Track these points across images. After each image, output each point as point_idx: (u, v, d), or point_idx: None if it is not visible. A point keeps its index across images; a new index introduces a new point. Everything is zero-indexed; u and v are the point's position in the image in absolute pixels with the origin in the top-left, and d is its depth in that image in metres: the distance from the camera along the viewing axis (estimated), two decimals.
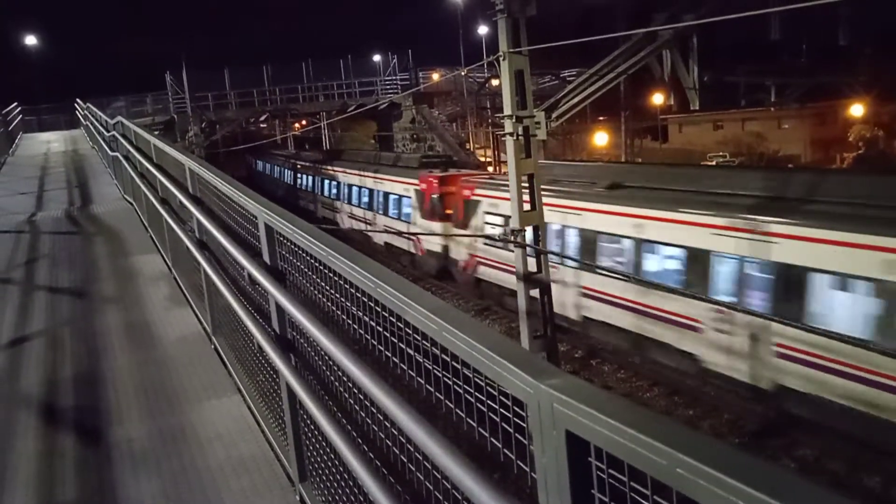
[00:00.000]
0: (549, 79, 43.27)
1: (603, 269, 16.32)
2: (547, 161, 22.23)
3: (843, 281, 12.22)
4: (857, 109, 43.24)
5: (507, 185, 15.27)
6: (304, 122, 56.60)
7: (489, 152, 46.28)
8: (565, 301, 17.56)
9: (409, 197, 25.29)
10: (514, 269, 15.50)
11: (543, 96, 21.21)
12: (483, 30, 48.15)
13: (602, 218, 16.99)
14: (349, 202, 31.30)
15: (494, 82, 41.38)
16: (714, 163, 40.06)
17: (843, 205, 12.69)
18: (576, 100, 15.86)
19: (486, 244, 20.12)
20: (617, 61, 16.31)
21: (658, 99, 42.76)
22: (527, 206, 15.03)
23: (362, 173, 29.79)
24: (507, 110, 14.46)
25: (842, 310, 12.21)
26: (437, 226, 22.81)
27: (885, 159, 38.41)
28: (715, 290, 14.36)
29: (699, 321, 14.62)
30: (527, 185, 15.00)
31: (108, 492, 4.13)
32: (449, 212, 22.54)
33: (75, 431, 5.03)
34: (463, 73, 44.03)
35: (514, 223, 14.87)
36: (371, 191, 28.83)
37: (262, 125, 61.56)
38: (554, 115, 15.33)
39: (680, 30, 16.58)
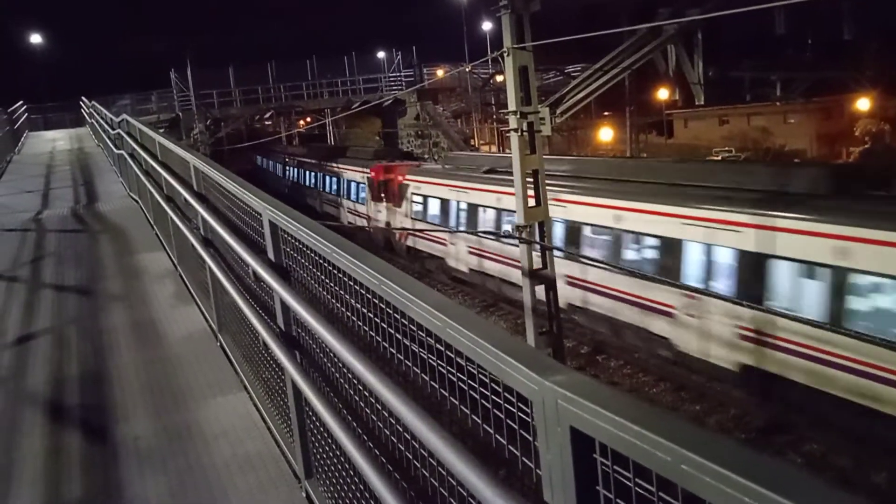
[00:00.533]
0: (553, 74, 43.19)
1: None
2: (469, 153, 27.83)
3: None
4: (863, 104, 43.08)
5: (428, 172, 23.19)
6: (308, 120, 56.62)
7: (494, 148, 46.25)
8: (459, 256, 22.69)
9: (364, 183, 29.55)
10: (433, 239, 23.26)
11: (548, 92, 21.16)
12: (487, 26, 48.14)
13: (477, 194, 21.88)
14: (324, 190, 35.19)
15: (499, 78, 41.35)
16: (719, 158, 39.96)
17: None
18: (580, 95, 15.80)
19: (413, 218, 25.26)
20: (621, 56, 16.24)
21: (663, 94, 42.64)
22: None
23: (334, 165, 33.81)
24: (512, 106, 14.42)
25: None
26: (382, 206, 27.69)
27: (892, 153, 38.23)
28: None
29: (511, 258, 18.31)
30: (531, 180, 14.98)
31: (115, 489, 4.15)
32: (389, 194, 27.24)
33: (81, 429, 5.05)
34: (467, 70, 44.00)
35: (519, 219, 14.86)
36: (339, 179, 32.97)
37: (266, 122, 61.61)
38: (559, 111, 15.28)
39: (685, 24, 16.51)
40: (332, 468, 3.37)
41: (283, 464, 4.19)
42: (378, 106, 40.44)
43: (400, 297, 2.23)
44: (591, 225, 17.62)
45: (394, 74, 45.75)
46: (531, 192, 15.03)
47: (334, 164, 33.59)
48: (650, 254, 16.07)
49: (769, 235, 13.06)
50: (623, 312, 16.54)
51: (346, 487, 3.17)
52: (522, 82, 14.34)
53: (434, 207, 24.01)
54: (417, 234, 24.38)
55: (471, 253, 21.86)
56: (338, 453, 3.20)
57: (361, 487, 2.91)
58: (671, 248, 15.31)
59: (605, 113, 48.97)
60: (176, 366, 5.89)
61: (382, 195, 27.40)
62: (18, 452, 4.67)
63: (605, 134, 45.08)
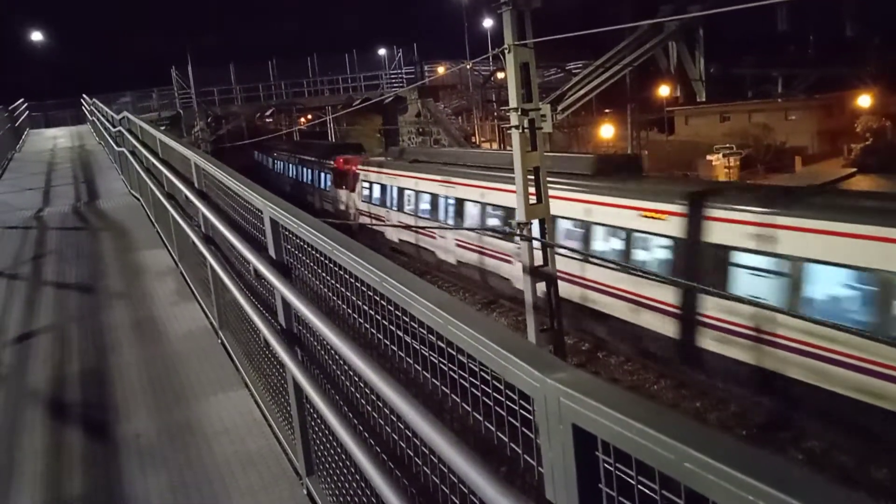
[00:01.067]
0: (554, 71, 43.16)
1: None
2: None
3: None
4: (864, 100, 43.00)
5: (374, 163, 29.06)
6: (309, 117, 56.62)
7: (495, 145, 46.24)
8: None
9: (329, 173, 34.52)
10: (382, 217, 27.73)
11: (549, 89, 21.18)
12: (488, 23, 48.08)
13: (404, 180, 26.48)
14: (304, 180, 39.18)
15: (500, 75, 41.32)
16: (721, 154, 39.90)
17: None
18: (582, 92, 15.81)
19: (363, 201, 29.83)
20: (623, 53, 16.24)
21: (664, 91, 42.59)
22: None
23: (309, 158, 38.17)
24: (513, 103, 14.42)
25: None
26: (342, 191, 32.27)
27: (894, 150, 38.16)
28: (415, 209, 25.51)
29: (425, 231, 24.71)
30: (532, 177, 14.97)
31: (116, 486, 4.15)
32: (346, 182, 31.89)
33: (83, 426, 5.06)
34: (468, 67, 43.98)
35: (520, 216, 14.85)
36: (312, 170, 37.58)
37: (268, 120, 61.63)
38: (560, 108, 15.29)
39: (686, 21, 16.50)
40: (334, 465, 3.36)
41: (284, 461, 4.19)
42: (379, 103, 40.46)
43: (401, 295, 2.22)
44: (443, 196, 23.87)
45: (395, 71, 45.75)
46: (530, 190, 15.04)
47: (309, 157, 38.27)
48: (454, 209, 23.39)
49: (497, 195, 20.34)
50: (488, 263, 21.65)
51: (347, 484, 3.17)
52: (524, 79, 14.33)
53: (377, 192, 28.84)
54: (367, 215, 29.24)
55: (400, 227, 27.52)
56: (339, 450, 3.19)
57: (363, 484, 2.90)
58: (460, 205, 22.90)
59: (607, 110, 48.92)
60: (177, 363, 5.89)
61: (342, 182, 32.16)
62: (20, 450, 4.67)
63: (606, 131, 45.01)
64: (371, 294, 2.55)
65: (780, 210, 13.15)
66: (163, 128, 14.68)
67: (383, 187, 28.11)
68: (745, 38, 49.40)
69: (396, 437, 2.52)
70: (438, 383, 2.17)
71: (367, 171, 29.63)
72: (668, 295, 15.22)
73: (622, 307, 16.37)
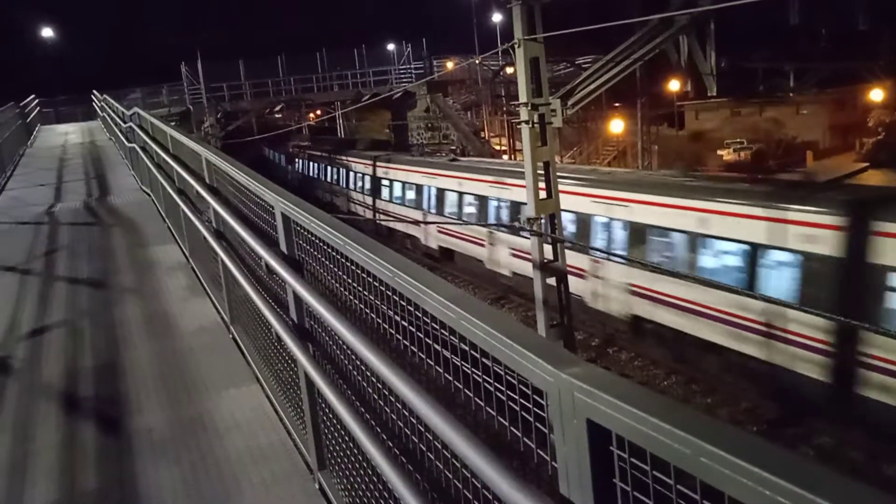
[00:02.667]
0: (564, 66, 42.98)
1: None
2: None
3: None
4: (876, 94, 42.64)
5: (313, 145, 38.95)
6: (318, 112, 56.64)
7: (504, 140, 46.15)
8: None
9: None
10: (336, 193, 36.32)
11: (559, 84, 21.09)
12: (497, 17, 47.92)
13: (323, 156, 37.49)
14: (280, 162, 48.46)
15: (509, 70, 41.18)
16: (731, 149, 39.65)
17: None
18: (591, 87, 15.74)
19: (302, 174, 42.40)
20: (633, 47, 16.15)
21: (674, 85, 42.33)
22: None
23: (291, 148, 46.87)
24: (523, 98, 14.38)
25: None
26: (292, 168, 44.97)
27: None
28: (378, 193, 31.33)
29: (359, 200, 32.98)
30: (542, 172, 14.94)
31: (128, 481, 4.17)
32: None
33: (95, 421, 5.08)
34: (477, 62, 43.85)
35: (530, 211, 14.83)
36: (284, 155, 48.01)
37: (277, 115, 61.69)
38: (570, 103, 15.23)
39: (697, 15, 16.40)
40: (346, 460, 3.37)
41: (295, 456, 4.20)
42: (388, 98, 40.39)
43: (414, 290, 2.22)
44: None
45: (404, 67, 45.66)
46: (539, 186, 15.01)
47: (291, 147, 47.09)
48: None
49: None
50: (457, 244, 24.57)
51: (359, 479, 3.18)
52: (533, 74, 14.29)
53: (311, 169, 41.03)
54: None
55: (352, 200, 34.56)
56: (351, 445, 3.20)
57: (375, 479, 2.91)
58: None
59: (616, 105, 48.73)
60: (189, 358, 5.91)
61: (295, 161, 44.58)
62: (33, 443, 4.71)
63: (616, 125, 44.82)
64: (383, 289, 2.55)
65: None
66: (173, 123, 14.71)
67: (311, 165, 42.23)
68: (757, 31, 49.03)
69: (409, 432, 2.52)
70: (451, 378, 2.17)
71: (307, 153, 43.55)
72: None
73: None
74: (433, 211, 25.98)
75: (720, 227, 14.74)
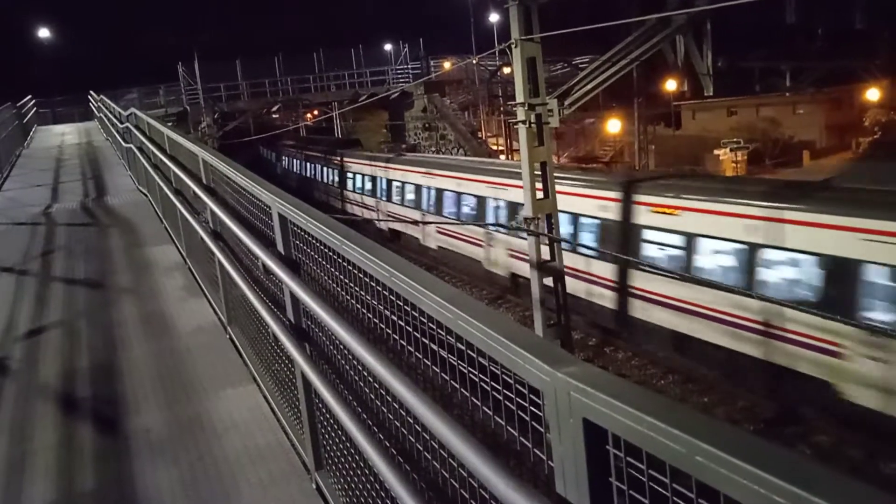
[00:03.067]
0: (561, 66, 43.02)
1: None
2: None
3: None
4: (873, 94, 42.74)
5: (296, 144, 45.78)
6: (316, 113, 56.65)
7: (502, 140, 46.17)
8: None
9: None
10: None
11: (556, 84, 21.11)
12: (494, 17, 47.94)
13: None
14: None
15: (506, 70, 41.21)
16: (728, 149, 39.72)
17: None
18: (588, 87, 15.76)
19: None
20: (630, 47, 16.17)
21: (671, 85, 42.42)
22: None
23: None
24: (520, 98, 14.39)
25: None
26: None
27: None
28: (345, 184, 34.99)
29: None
30: (539, 172, 14.95)
31: (126, 481, 4.17)
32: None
33: (93, 421, 5.08)
34: (475, 62, 43.87)
35: (527, 211, 14.84)
36: (275, 154, 50.48)
37: (274, 116, 61.69)
38: (567, 103, 15.25)
39: (694, 15, 16.42)
40: (343, 460, 3.37)
41: (293, 456, 4.21)
42: (385, 98, 40.39)
43: (411, 290, 2.22)
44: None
45: (401, 67, 45.66)
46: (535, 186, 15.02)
47: (279, 147, 49.20)
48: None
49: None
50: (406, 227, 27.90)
51: (356, 479, 3.18)
52: (530, 74, 14.31)
53: (294, 165, 44.84)
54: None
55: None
56: (348, 445, 3.20)
57: (372, 479, 2.91)
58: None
59: (613, 104, 48.78)
60: (186, 358, 5.91)
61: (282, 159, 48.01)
62: (31, 444, 4.70)
63: (613, 125, 44.89)
64: (380, 289, 2.55)
65: None
66: (170, 124, 14.69)
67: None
68: (754, 30, 49.12)
69: (406, 432, 2.52)
70: (448, 378, 2.18)
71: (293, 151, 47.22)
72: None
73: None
74: (384, 198, 29.97)
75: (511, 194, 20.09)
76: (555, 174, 15.60)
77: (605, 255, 16.91)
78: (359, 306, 2.87)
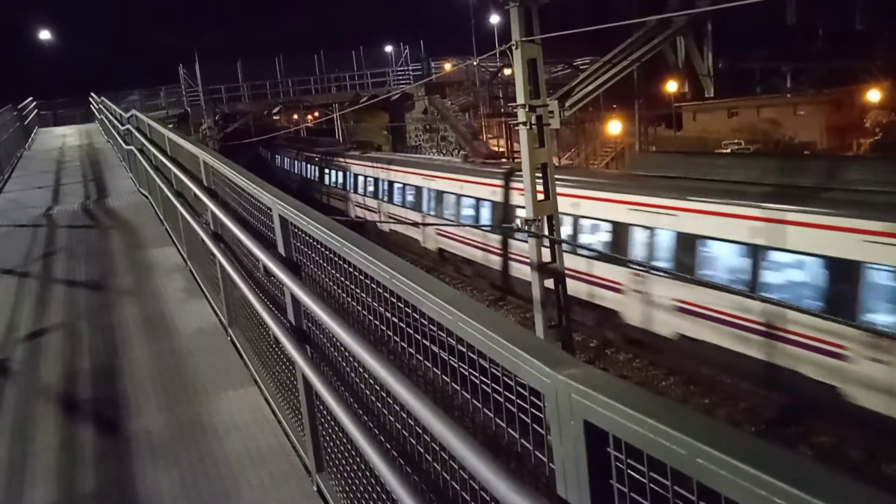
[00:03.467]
0: (562, 67, 43.04)
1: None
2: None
3: None
4: (873, 95, 42.70)
5: (288, 144, 48.34)
6: (316, 114, 56.67)
7: (502, 142, 46.18)
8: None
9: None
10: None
11: (556, 85, 21.11)
12: (495, 19, 47.95)
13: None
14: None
15: (507, 71, 41.22)
16: (729, 150, 39.69)
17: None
18: (589, 88, 15.77)
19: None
20: (630, 49, 16.19)
21: (672, 86, 42.38)
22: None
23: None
24: (520, 99, 14.40)
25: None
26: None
27: None
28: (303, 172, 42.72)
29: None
30: (540, 174, 14.94)
31: (127, 482, 4.17)
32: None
33: (94, 423, 5.08)
34: (475, 63, 43.89)
35: (528, 213, 14.84)
36: (270, 153, 52.70)
37: (275, 117, 61.76)
38: (567, 104, 15.25)
39: (694, 16, 16.42)
40: (343, 462, 3.37)
41: (294, 458, 4.21)
42: (386, 100, 40.42)
43: (411, 292, 2.22)
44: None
45: (401, 68, 45.69)
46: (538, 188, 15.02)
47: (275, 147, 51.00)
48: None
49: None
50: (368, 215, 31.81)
51: (357, 481, 3.18)
52: (531, 75, 14.31)
53: (285, 163, 47.84)
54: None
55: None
56: (349, 447, 3.20)
57: (373, 481, 2.91)
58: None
59: (614, 106, 48.78)
60: (187, 360, 5.91)
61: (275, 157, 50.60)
62: (32, 445, 4.71)
63: (614, 127, 44.88)
64: (381, 291, 2.55)
65: None
66: (171, 126, 14.69)
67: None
68: (754, 32, 49.11)
69: (407, 434, 2.52)
70: (449, 380, 2.18)
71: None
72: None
73: None
74: (352, 191, 34.67)
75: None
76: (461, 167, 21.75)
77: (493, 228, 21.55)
78: (359, 308, 2.87)
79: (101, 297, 7.99)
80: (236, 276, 4.70)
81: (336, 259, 3.02)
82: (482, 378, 1.94)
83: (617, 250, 16.53)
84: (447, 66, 46.67)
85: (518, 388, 1.75)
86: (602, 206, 17.35)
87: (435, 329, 2.16)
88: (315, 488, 3.84)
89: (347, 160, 35.15)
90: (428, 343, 2.27)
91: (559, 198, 15.34)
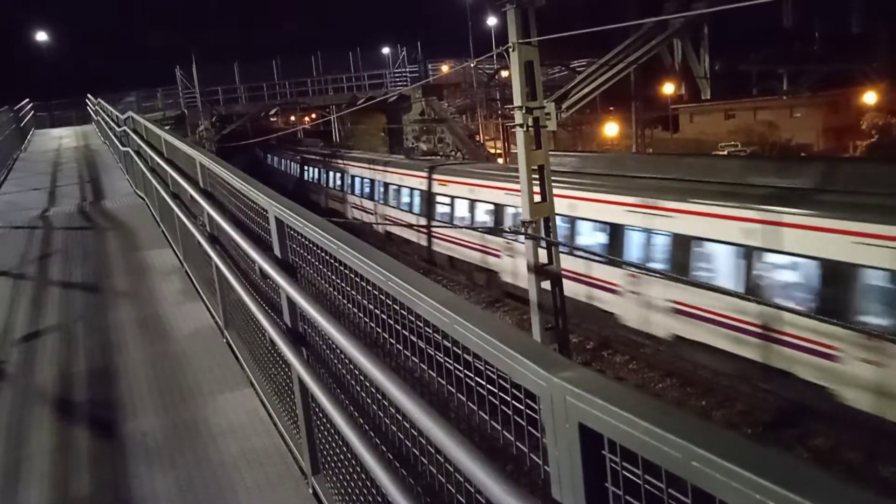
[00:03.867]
0: (559, 69, 43.08)
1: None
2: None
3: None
4: (870, 97, 42.80)
5: (279, 144, 50.19)
6: (313, 116, 56.67)
7: (499, 144, 46.20)
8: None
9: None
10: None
11: (553, 87, 21.14)
12: (492, 21, 47.99)
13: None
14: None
15: (504, 73, 41.23)
16: (726, 152, 39.76)
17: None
18: (586, 90, 15.78)
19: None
20: (627, 51, 16.22)
21: (669, 88, 42.46)
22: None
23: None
24: (517, 101, 14.40)
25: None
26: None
27: None
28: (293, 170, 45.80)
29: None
30: (537, 176, 14.95)
31: (123, 485, 4.16)
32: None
33: (89, 425, 5.07)
34: (472, 65, 43.92)
35: (525, 215, 14.84)
36: (262, 152, 55.24)
37: (272, 119, 61.75)
38: (564, 106, 15.26)
39: (691, 18, 16.45)
40: (339, 464, 3.37)
41: (289, 460, 4.20)
42: (383, 102, 40.42)
43: (407, 294, 2.22)
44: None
45: (398, 70, 45.72)
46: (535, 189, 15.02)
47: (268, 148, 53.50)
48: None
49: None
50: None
51: (352, 483, 3.18)
52: (528, 77, 14.32)
53: (275, 161, 51.65)
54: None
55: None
56: (345, 450, 3.20)
57: (368, 483, 2.91)
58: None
59: (611, 108, 48.83)
60: (183, 362, 5.90)
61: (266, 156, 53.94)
62: (27, 448, 4.69)
63: (611, 129, 44.94)
64: (377, 293, 2.55)
65: None
66: (167, 127, 14.67)
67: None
68: (750, 34, 49.21)
69: (402, 436, 2.52)
70: (444, 382, 2.17)
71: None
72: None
73: None
74: (324, 183, 38.99)
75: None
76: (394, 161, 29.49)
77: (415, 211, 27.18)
78: (355, 310, 2.86)
79: (97, 299, 7.98)
80: (232, 278, 4.69)
81: (332, 261, 3.02)
82: (478, 380, 1.94)
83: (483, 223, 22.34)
84: (444, 68, 46.73)
85: (513, 391, 1.75)
86: (488, 192, 22.69)
87: (430, 331, 2.15)
88: (311, 491, 3.84)
89: (317, 157, 41.37)
90: (423, 345, 2.26)
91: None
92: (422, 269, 24.80)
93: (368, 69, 44.67)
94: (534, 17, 14.16)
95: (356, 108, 39.88)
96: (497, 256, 21.64)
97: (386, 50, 47.49)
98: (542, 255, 15.35)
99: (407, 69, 45.79)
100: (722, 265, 14.49)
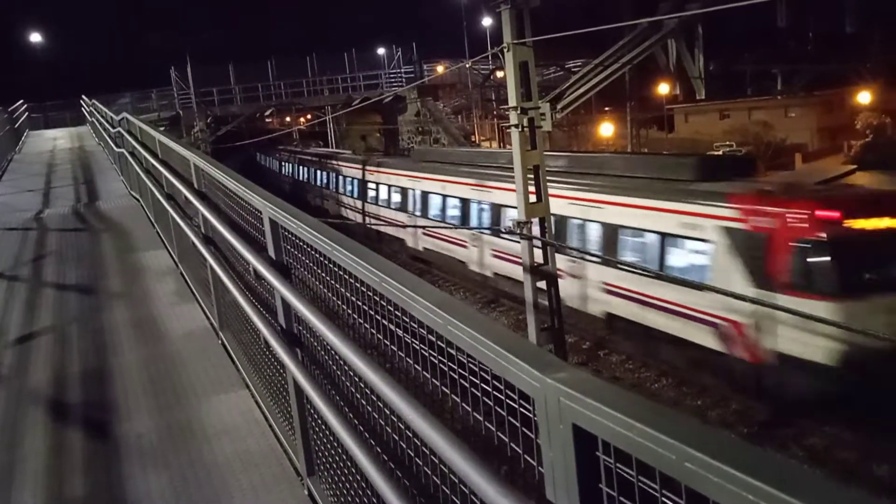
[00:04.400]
0: (554, 70, 43.14)
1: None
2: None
3: None
4: (864, 97, 42.97)
5: (270, 145, 50.02)
6: (309, 117, 56.65)
7: (495, 144, 46.23)
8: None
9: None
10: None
11: (548, 87, 21.15)
12: (487, 21, 48.03)
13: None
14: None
15: (499, 74, 41.30)
16: (721, 152, 39.87)
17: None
18: (581, 90, 15.78)
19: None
20: (622, 51, 16.22)
21: (664, 89, 42.53)
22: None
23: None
24: (512, 102, 14.40)
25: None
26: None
27: (893, 146, 38.11)
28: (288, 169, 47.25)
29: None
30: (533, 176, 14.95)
31: (117, 486, 4.15)
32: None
33: (83, 427, 5.05)
34: (467, 66, 43.97)
35: (521, 215, 14.84)
36: (256, 152, 56.13)
37: (267, 120, 61.70)
38: (559, 107, 15.26)
39: (686, 18, 16.47)
40: (334, 465, 3.36)
41: (284, 461, 4.19)
42: (378, 102, 40.44)
43: (401, 295, 2.22)
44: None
45: (394, 71, 45.70)
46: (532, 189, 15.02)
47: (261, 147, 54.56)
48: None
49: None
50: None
51: (347, 485, 3.17)
52: (523, 78, 14.31)
53: (265, 160, 52.17)
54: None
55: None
56: (339, 451, 3.19)
57: (363, 485, 2.90)
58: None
59: (606, 108, 48.91)
60: (178, 363, 5.89)
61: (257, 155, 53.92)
62: (21, 450, 4.67)
63: (606, 129, 45.02)
64: (371, 294, 2.54)
65: None
66: (162, 128, 14.67)
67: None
68: (745, 34, 49.38)
69: (397, 438, 2.52)
70: (438, 383, 2.17)
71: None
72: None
73: None
74: (298, 177, 42.03)
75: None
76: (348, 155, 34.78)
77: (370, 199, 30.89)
78: (349, 311, 2.86)
79: (92, 300, 7.96)
80: (227, 279, 4.68)
81: (326, 262, 3.01)
82: (472, 381, 1.94)
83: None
84: (440, 69, 46.74)
85: (507, 392, 1.75)
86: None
87: (425, 332, 2.15)
88: (306, 492, 3.83)
89: (291, 154, 45.10)
90: (418, 346, 2.26)
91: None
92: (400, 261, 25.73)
93: (364, 70, 44.64)
94: (528, 18, 14.15)
95: (351, 108, 39.87)
96: (464, 247, 23.60)
97: (381, 50, 47.51)
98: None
99: (402, 70, 45.78)
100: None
